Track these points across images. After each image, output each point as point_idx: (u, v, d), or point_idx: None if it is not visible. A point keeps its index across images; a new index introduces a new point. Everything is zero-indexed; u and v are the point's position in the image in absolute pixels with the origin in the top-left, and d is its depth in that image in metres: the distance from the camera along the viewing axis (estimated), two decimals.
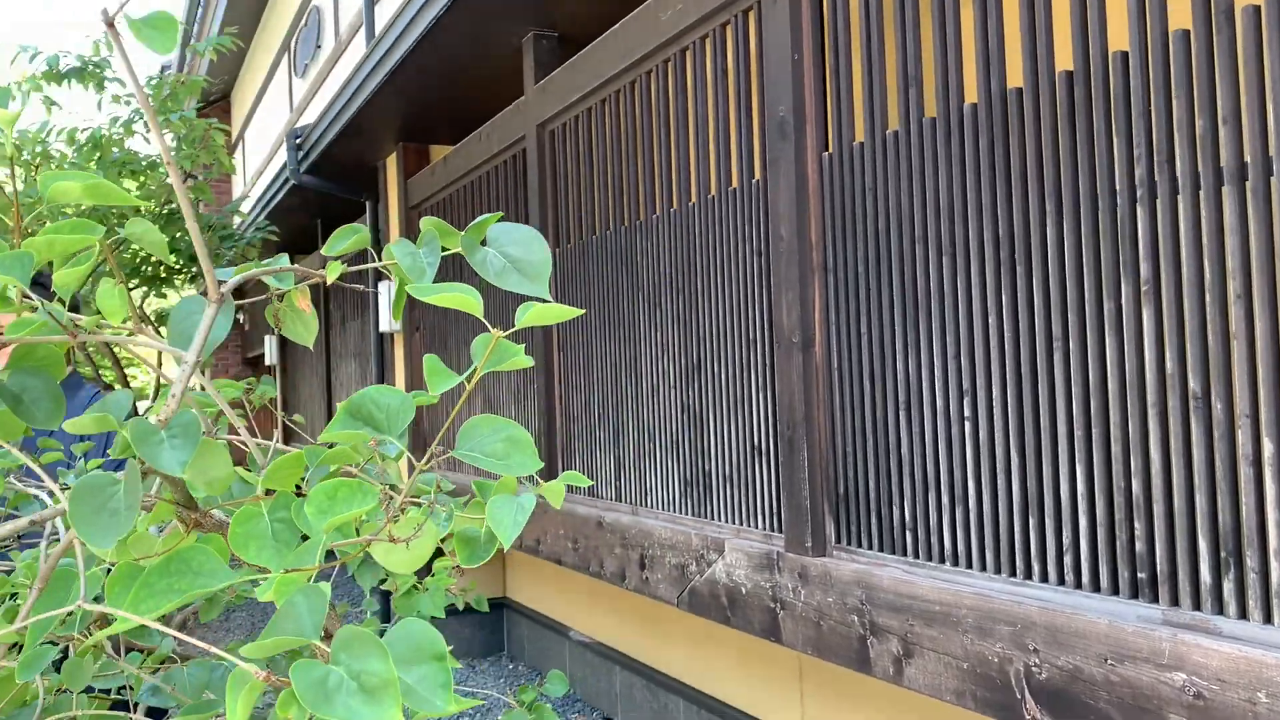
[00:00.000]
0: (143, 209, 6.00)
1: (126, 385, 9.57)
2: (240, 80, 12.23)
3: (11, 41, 5.43)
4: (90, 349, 9.03)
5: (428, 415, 5.63)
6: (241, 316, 12.36)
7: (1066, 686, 1.84)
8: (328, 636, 0.61)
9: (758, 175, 2.83)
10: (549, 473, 4.08)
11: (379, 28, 5.92)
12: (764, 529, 2.80)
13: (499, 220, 0.90)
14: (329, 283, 0.83)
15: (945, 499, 2.19)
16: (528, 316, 0.72)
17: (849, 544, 2.49)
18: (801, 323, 2.57)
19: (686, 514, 3.19)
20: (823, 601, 2.48)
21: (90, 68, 5.37)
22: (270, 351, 10.00)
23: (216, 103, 12.86)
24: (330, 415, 7.49)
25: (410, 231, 5.68)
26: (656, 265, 3.33)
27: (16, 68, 5.37)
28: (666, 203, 3.28)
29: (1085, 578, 1.89)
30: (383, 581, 1.89)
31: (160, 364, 1.49)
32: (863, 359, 2.43)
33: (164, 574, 0.62)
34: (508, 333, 0.75)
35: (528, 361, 1.63)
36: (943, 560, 2.21)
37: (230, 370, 12.43)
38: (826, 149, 2.56)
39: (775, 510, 2.76)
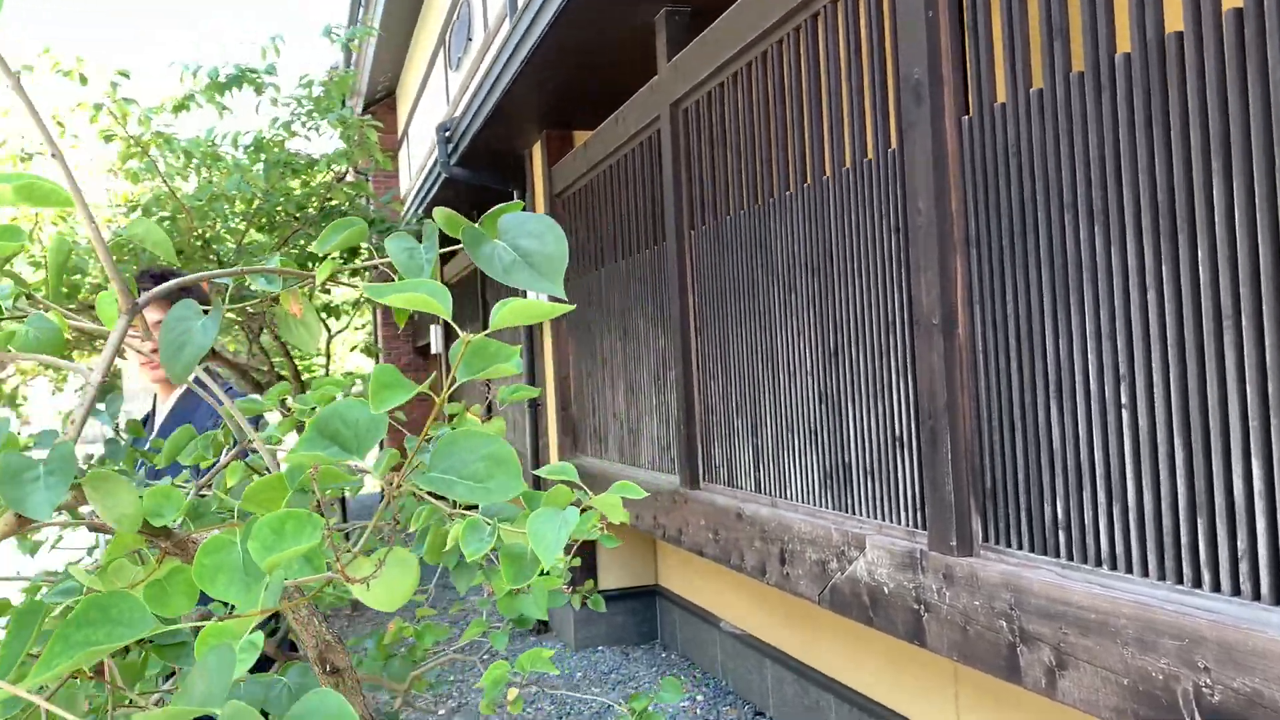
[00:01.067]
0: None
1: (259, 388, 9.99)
2: (403, 77, 12.59)
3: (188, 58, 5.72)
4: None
5: (576, 400, 5.62)
6: None
7: (1244, 712, 1.61)
8: None
9: (893, 144, 2.64)
10: (688, 460, 3.98)
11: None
12: (907, 525, 2.62)
13: (517, 209, 0.80)
14: (319, 284, 0.74)
15: (1101, 496, 1.97)
16: (501, 315, 0.61)
17: (996, 543, 2.29)
18: (942, 303, 2.37)
19: (826, 507, 3.03)
20: (969, 605, 2.29)
21: (247, 74, 5.58)
22: (435, 340, 10.27)
23: (383, 100, 13.29)
24: (490, 401, 7.52)
25: (556, 220, 5.67)
26: (790, 245, 3.17)
27: (178, 81, 5.63)
28: (800, 179, 3.11)
29: (1264, 589, 1.65)
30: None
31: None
32: (1009, 341, 2.22)
33: (80, 624, 0.54)
34: (487, 332, 0.65)
35: (532, 392, 1.50)
36: (1099, 563, 1.99)
37: (402, 359, 12.84)
38: (965, 112, 2.35)
39: (918, 505, 2.57)
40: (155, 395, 2.53)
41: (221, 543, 0.65)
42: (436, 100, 9.79)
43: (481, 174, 6.23)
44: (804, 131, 3.10)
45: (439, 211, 0.79)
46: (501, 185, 6.28)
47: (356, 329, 21.68)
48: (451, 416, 1.61)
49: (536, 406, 6.19)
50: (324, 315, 7.38)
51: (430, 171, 6.91)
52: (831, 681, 4.00)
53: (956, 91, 2.35)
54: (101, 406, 1.51)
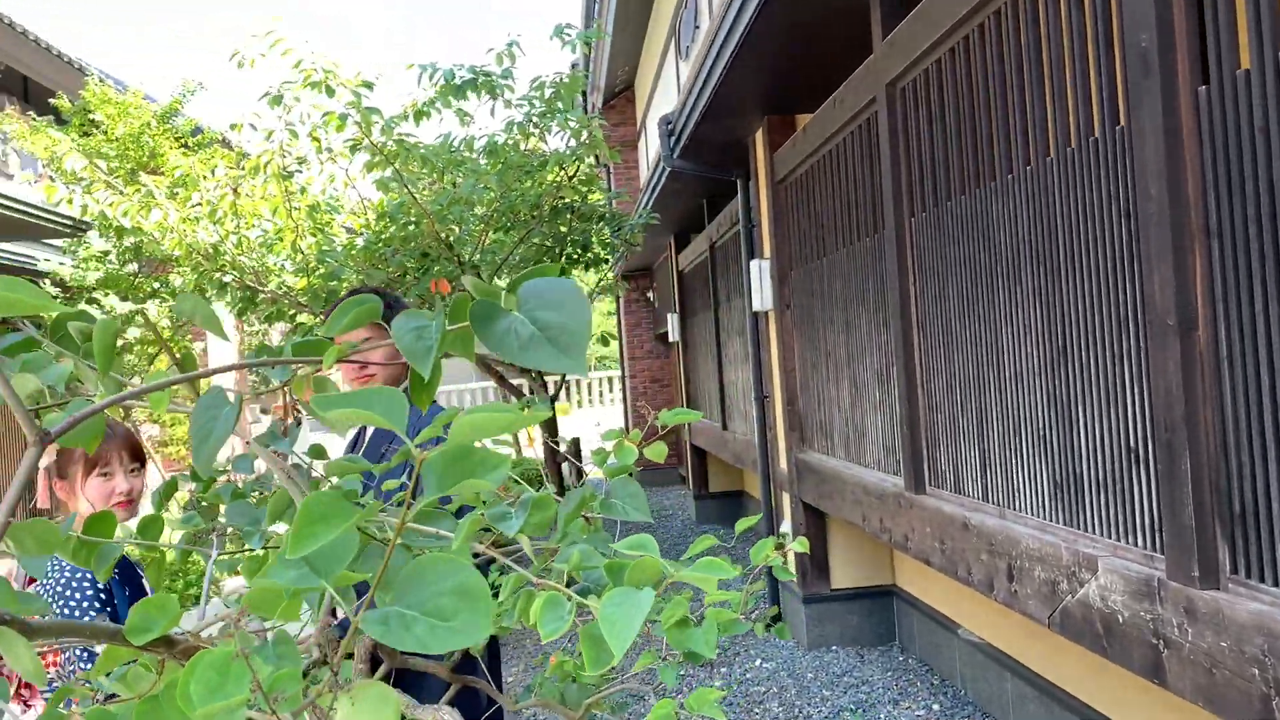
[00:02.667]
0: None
1: None
2: (640, 69, 12.73)
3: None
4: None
5: (802, 394, 5.47)
6: (651, 294, 12.93)
7: None
8: None
9: (1121, 121, 2.34)
10: (913, 462, 3.75)
11: None
12: (1143, 548, 2.33)
13: (538, 275, 0.71)
14: (325, 369, 0.69)
15: None
16: (459, 429, 0.53)
17: (1247, 576, 1.99)
18: (1178, 301, 2.08)
19: (1057, 521, 2.76)
20: (1214, 645, 2.00)
21: (482, 78, 5.76)
22: (673, 329, 10.34)
23: (622, 92, 13.49)
24: (722, 392, 7.54)
25: (778, 209, 5.53)
26: (1012, 233, 2.90)
27: (407, 89, 5.88)
28: (1022, 160, 2.84)
29: None
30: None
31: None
32: (1258, 344, 1.91)
33: None
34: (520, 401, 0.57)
35: (691, 416, 1.39)
36: None
37: (644, 346, 13.05)
38: (1203, 82, 2.04)
39: (1156, 527, 2.28)
40: None
41: (215, 660, 0.61)
42: (669, 91, 9.82)
43: (704, 165, 6.16)
44: (1025, 109, 2.82)
45: (468, 280, 0.71)
46: (724, 175, 6.18)
47: (609, 313, 22.23)
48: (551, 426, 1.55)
49: (765, 399, 6.08)
50: None
51: (657, 164, 6.92)
52: (1078, 703, 3.67)
53: (1191, 58, 2.05)
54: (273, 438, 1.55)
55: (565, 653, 1.82)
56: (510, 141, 6.37)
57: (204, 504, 1.59)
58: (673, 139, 6.11)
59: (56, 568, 2.14)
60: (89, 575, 2.11)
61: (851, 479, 4.50)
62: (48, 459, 2.19)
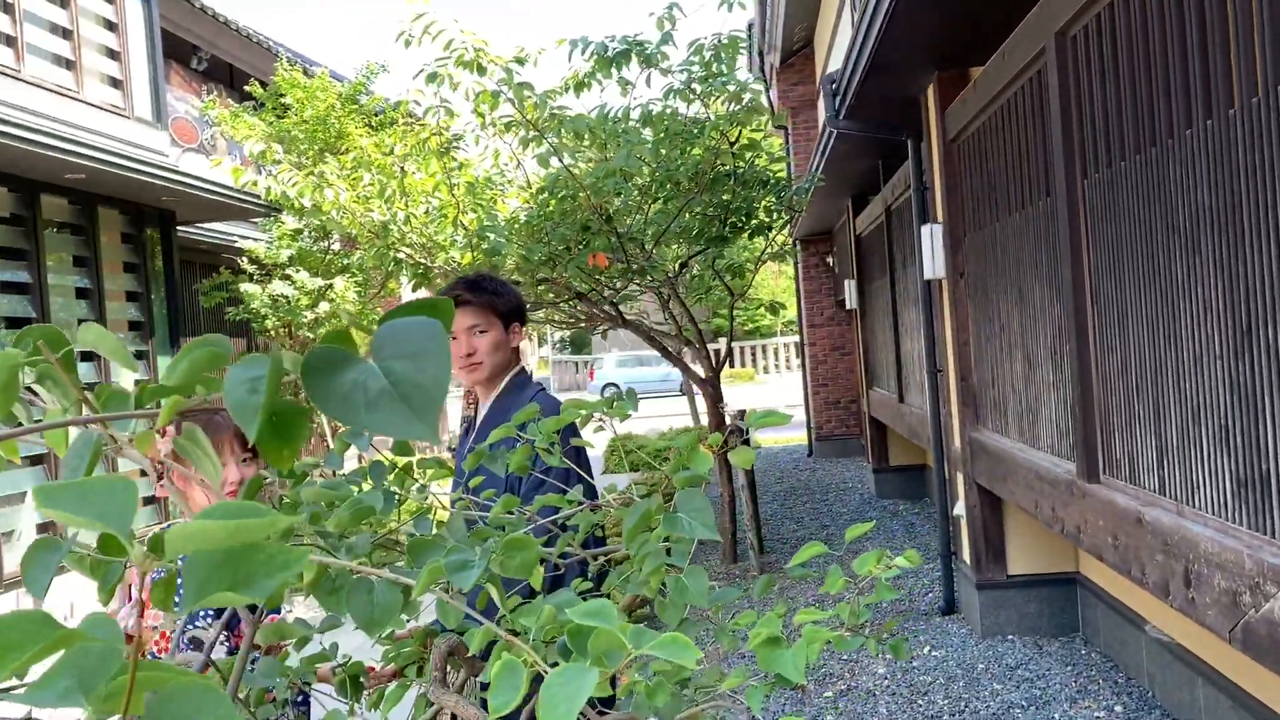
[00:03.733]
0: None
1: None
2: (818, 26, 12.30)
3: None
4: None
5: (976, 368, 5.13)
6: (831, 259, 12.56)
7: None
8: None
9: None
10: (1085, 447, 3.43)
11: None
12: None
13: (415, 310, 0.59)
14: (158, 427, 0.60)
15: None
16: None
17: None
18: None
19: (1240, 523, 2.43)
20: None
21: (635, 49, 5.64)
22: (850, 296, 10.00)
23: (800, 51, 13.09)
24: (899, 363, 7.23)
25: (950, 170, 5.18)
26: (1191, 197, 2.56)
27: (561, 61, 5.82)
28: (1202, 113, 2.49)
29: None
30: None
31: None
32: None
33: None
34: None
35: (781, 419, 1.22)
36: None
37: (824, 313, 12.71)
38: None
39: None
40: (477, 398, 2.59)
41: None
42: (844, 47, 9.42)
43: (871, 125, 5.84)
44: (1206, 55, 2.47)
45: (421, 302, 0.60)
46: (894, 135, 5.84)
47: (787, 278, 21.74)
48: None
49: (938, 373, 5.75)
50: (726, 275, 7.40)
51: (824, 125, 6.63)
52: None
53: None
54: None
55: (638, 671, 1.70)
56: (668, 109, 6.24)
57: (285, 501, 1.57)
58: (837, 98, 5.82)
59: None
60: None
61: (1025, 462, 4.18)
62: (164, 448, 2.25)
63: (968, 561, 5.45)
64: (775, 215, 6.96)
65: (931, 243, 5.36)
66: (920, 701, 4.54)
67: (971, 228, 4.97)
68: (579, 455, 2.23)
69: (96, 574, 0.91)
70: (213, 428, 2.26)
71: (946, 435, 5.73)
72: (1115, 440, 3.23)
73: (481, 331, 2.46)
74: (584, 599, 1.97)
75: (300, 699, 2.25)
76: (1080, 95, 3.30)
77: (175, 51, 11.06)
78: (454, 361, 2.51)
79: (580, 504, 1.65)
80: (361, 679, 1.52)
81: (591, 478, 2.35)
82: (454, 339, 2.50)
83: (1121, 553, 3.08)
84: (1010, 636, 5.21)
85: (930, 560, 6.87)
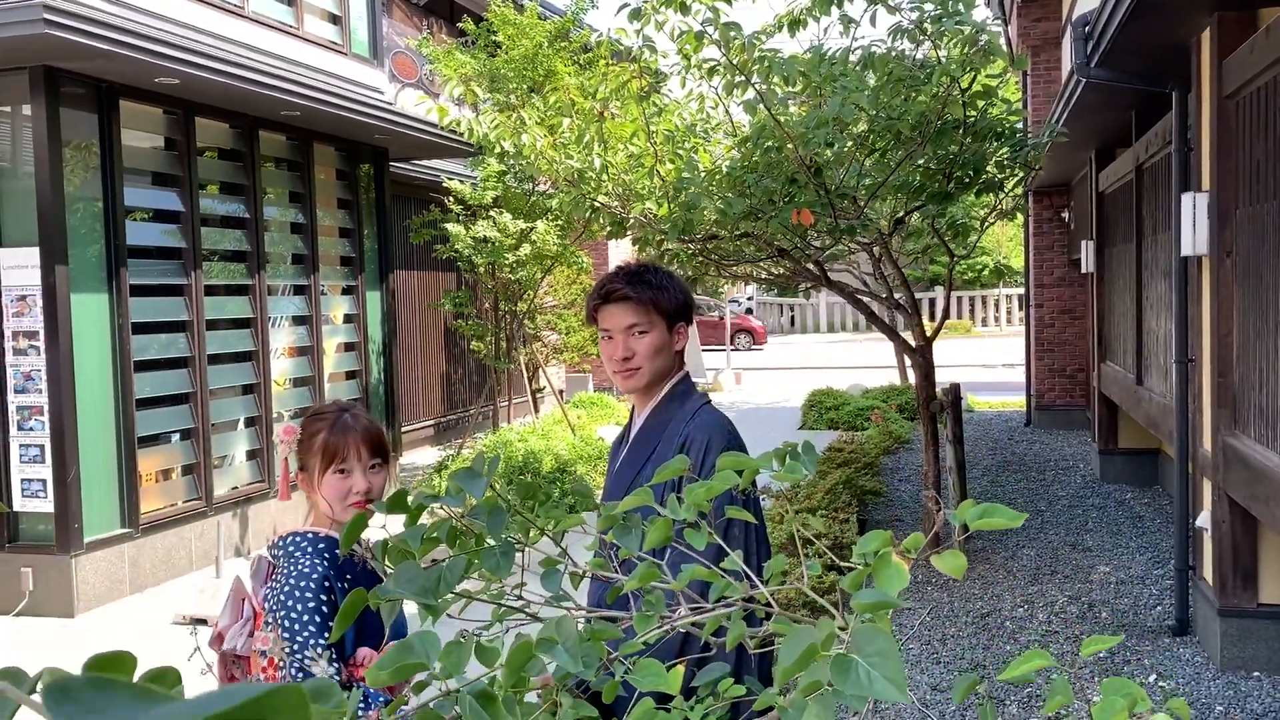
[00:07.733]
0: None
1: None
2: None
3: None
4: None
5: (1239, 365, 4.39)
6: (1066, 214, 11.51)
7: None
8: None
9: None
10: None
11: None
12: None
13: None
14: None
15: None
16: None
17: None
18: None
19: None
20: None
21: None
22: (1087, 258, 9.08)
23: None
24: (1140, 341, 6.44)
25: (1224, 130, 4.40)
26: None
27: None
28: None
29: None
30: None
31: None
32: None
33: None
34: None
35: (1012, 522, 0.86)
36: None
37: (1055, 273, 11.71)
38: None
39: None
40: (633, 405, 2.27)
41: None
42: None
43: (1128, 75, 5.07)
44: None
45: None
46: (1155, 87, 5.06)
47: (1015, 226, 20.36)
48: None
49: (1189, 363, 5.01)
50: (948, 235, 6.77)
51: (1070, 74, 5.86)
52: None
53: None
54: None
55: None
56: (894, 51, 5.64)
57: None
58: (1090, 44, 5.08)
59: (292, 555, 1.99)
60: (319, 569, 1.95)
61: None
62: (288, 449, 2.04)
63: (1209, 580, 4.76)
64: (1008, 171, 6.26)
65: (1193, 213, 4.61)
66: None
67: (1247, 200, 4.22)
68: (754, 506, 1.88)
69: None
70: (340, 428, 2.04)
71: (1195, 435, 5.00)
72: None
73: (641, 332, 2.13)
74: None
75: None
76: None
77: None
78: (608, 364, 2.19)
79: (728, 595, 1.31)
80: None
81: (764, 543, 2.00)
82: (610, 339, 2.18)
83: None
84: (1257, 674, 4.51)
85: (1161, 565, 6.14)
